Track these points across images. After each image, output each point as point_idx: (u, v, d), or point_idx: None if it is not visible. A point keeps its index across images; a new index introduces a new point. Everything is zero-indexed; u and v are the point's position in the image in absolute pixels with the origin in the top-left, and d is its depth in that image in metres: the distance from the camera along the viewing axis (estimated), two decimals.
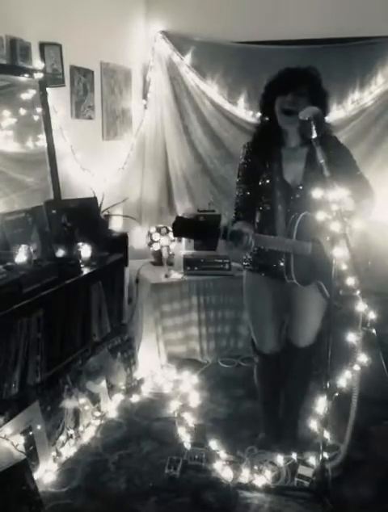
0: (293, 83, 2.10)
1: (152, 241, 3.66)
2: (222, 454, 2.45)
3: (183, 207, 3.87)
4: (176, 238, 2.13)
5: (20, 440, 2.18)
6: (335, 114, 3.51)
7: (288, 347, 2.47)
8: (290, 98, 2.09)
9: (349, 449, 2.33)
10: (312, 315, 2.35)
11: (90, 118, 3.27)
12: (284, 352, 2.50)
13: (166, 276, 3.42)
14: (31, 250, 2.39)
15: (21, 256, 2.31)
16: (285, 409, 2.57)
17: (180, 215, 1.99)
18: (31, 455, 2.23)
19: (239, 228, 1.99)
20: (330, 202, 1.87)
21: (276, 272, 2.26)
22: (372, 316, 1.91)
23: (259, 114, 2.32)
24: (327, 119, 2.23)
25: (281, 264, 2.18)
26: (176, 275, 3.43)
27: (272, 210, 2.25)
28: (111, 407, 2.84)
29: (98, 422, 2.71)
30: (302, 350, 2.42)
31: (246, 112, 3.65)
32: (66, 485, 2.27)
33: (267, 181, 2.23)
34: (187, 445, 2.52)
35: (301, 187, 2.19)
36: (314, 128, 1.91)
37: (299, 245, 2.10)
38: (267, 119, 2.23)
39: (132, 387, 3.07)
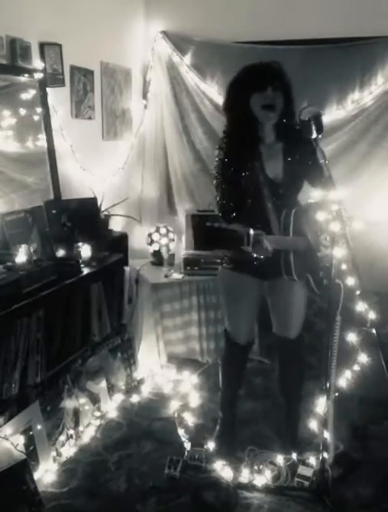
0: (270, 79, 2.11)
1: (152, 241, 3.67)
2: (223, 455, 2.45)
3: (183, 207, 3.87)
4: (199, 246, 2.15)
5: (20, 440, 2.18)
6: (335, 114, 3.51)
7: (280, 342, 2.47)
8: (270, 93, 2.09)
9: (339, 444, 2.34)
10: (297, 305, 2.36)
11: (90, 118, 3.27)
12: (276, 348, 2.52)
13: (166, 276, 3.42)
14: (31, 250, 2.39)
15: (21, 256, 2.31)
16: (286, 409, 2.57)
17: (209, 223, 1.84)
18: (31, 455, 2.23)
19: (257, 232, 1.93)
20: (330, 202, 1.87)
21: (257, 270, 2.25)
22: (372, 316, 1.91)
23: (228, 114, 2.27)
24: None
25: (282, 261, 2.18)
26: (176, 275, 3.43)
27: (261, 208, 2.20)
28: (111, 407, 2.84)
29: (98, 422, 2.71)
30: (294, 342, 2.42)
31: None
32: (66, 485, 2.27)
33: (252, 179, 2.19)
34: (187, 445, 2.52)
35: (283, 183, 2.20)
36: (313, 128, 1.92)
37: (301, 241, 2.11)
38: (240, 117, 2.20)
39: (132, 387, 3.07)
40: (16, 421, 2.21)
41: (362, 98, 3.48)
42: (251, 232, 1.89)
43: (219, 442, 2.52)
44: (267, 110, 2.11)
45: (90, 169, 3.20)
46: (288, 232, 2.11)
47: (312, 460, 2.31)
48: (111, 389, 2.91)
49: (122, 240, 3.24)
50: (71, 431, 2.54)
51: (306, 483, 2.23)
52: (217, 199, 2.27)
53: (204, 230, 1.85)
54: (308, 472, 2.26)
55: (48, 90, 2.80)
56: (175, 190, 3.93)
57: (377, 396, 2.71)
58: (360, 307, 1.94)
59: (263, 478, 2.29)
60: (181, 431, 2.64)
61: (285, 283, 2.24)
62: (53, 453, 2.40)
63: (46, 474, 2.30)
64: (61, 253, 2.70)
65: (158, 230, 3.67)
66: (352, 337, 2.11)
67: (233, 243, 1.90)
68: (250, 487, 2.26)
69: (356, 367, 2.18)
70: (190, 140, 3.81)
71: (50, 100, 2.82)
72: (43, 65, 2.73)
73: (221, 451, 2.47)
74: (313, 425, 2.35)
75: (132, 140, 3.77)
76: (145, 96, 3.83)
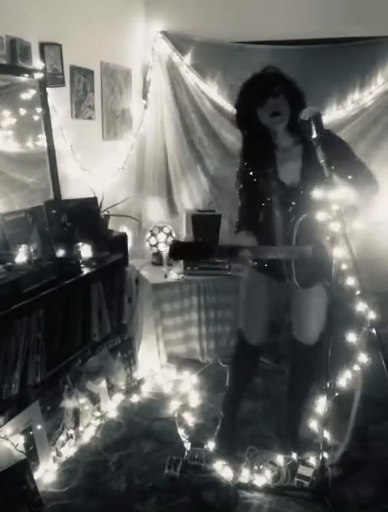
0: (266, 90, 2.12)
1: (152, 241, 3.66)
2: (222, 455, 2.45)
3: (183, 207, 3.87)
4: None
5: (20, 440, 2.18)
6: (335, 114, 3.51)
7: (295, 346, 2.46)
8: (271, 102, 2.11)
9: (348, 448, 2.34)
10: (314, 311, 2.34)
11: (90, 118, 3.27)
12: (292, 352, 2.52)
13: (166, 276, 3.42)
14: (31, 250, 2.38)
15: (21, 256, 2.31)
16: (288, 409, 2.57)
17: (176, 239, 2.06)
18: (31, 455, 2.23)
19: (235, 244, 2.03)
20: (330, 202, 1.87)
21: (278, 274, 2.25)
22: (372, 316, 1.91)
23: (241, 130, 2.31)
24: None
25: (284, 269, 2.18)
26: (176, 275, 3.43)
27: (271, 215, 2.24)
28: (111, 407, 2.84)
29: (98, 422, 2.71)
30: (309, 348, 2.41)
31: None
32: (66, 485, 2.27)
33: (265, 185, 2.23)
34: (187, 445, 2.52)
35: (299, 188, 2.19)
36: (314, 127, 1.91)
37: (297, 250, 2.10)
38: (250, 130, 2.24)
39: (132, 387, 3.07)
40: (16, 421, 2.21)
41: (362, 98, 3.48)
42: (222, 245, 2.01)
43: (219, 442, 2.52)
44: (274, 116, 2.12)
45: (90, 169, 3.20)
46: (291, 242, 2.12)
47: (312, 460, 2.32)
48: (111, 389, 2.91)
49: (122, 240, 3.24)
50: (71, 431, 2.54)
51: (306, 483, 2.23)
52: (238, 208, 2.35)
53: (172, 244, 2.03)
54: (308, 472, 2.26)
55: (48, 90, 2.80)
56: (174, 190, 3.93)
57: (377, 396, 2.70)
58: (360, 307, 1.94)
59: (263, 478, 2.29)
60: (181, 431, 2.64)
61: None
62: (53, 453, 2.40)
63: (46, 474, 2.30)
64: (61, 253, 2.70)
65: (158, 230, 3.67)
66: (352, 337, 2.11)
67: (202, 255, 2.06)
68: (250, 487, 2.27)
69: (356, 367, 2.18)
70: (190, 140, 3.81)
71: (50, 100, 2.82)
72: (43, 65, 2.73)
73: (221, 451, 2.47)
74: (313, 425, 2.35)
75: (132, 140, 3.77)
76: (145, 96, 3.82)
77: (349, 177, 2.16)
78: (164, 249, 3.59)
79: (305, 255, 2.09)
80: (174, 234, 3.69)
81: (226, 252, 2.00)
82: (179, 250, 2.02)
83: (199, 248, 2.03)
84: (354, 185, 2.18)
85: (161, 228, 3.67)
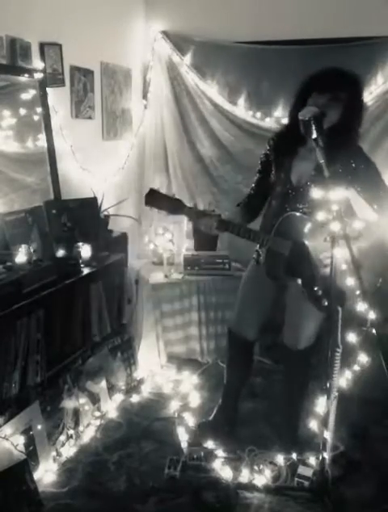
0: (333, 84, 2.05)
1: (152, 242, 3.66)
2: (222, 453, 2.45)
3: None
4: (149, 207, 2.27)
5: (20, 440, 2.18)
6: None
7: (285, 350, 2.46)
8: (326, 100, 2.03)
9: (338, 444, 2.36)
10: (307, 317, 2.32)
11: (90, 118, 3.26)
12: (282, 356, 2.54)
13: (166, 276, 3.42)
14: (31, 250, 2.39)
15: (21, 256, 2.31)
16: (285, 411, 2.57)
17: (153, 188, 2.23)
18: (31, 455, 2.24)
19: (206, 211, 2.23)
20: (330, 202, 1.87)
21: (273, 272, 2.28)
22: (372, 316, 1.91)
23: (289, 108, 2.28)
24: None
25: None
26: (176, 275, 3.43)
27: (271, 204, 2.30)
28: (111, 407, 2.84)
29: (98, 422, 2.71)
30: (299, 353, 2.40)
31: (246, 112, 3.65)
32: (66, 485, 2.27)
33: (275, 176, 2.27)
34: (187, 445, 2.51)
35: (302, 187, 2.19)
36: (314, 128, 1.91)
37: (271, 240, 2.17)
38: (296, 111, 2.13)
39: (132, 387, 3.07)
40: (16, 421, 2.21)
41: None
42: (192, 208, 2.18)
43: (201, 434, 2.57)
44: None
45: (90, 169, 3.20)
46: (269, 233, 2.20)
47: (312, 460, 2.32)
48: (111, 389, 2.91)
49: (122, 240, 3.24)
50: (71, 431, 2.54)
51: (306, 483, 2.23)
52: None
53: (149, 191, 2.18)
54: (308, 472, 2.26)
55: (48, 90, 2.80)
56: (175, 190, 3.93)
57: (377, 396, 2.70)
58: (360, 307, 1.94)
59: (263, 478, 2.29)
60: (181, 431, 2.64)
61: (295, 290, 2.26)
62: (53, 453, 2.40)
63: (46, 474, 2.30)
64: (61, 253, 2.70)
65: (158, 230, 3.67)
66: (352, 338, 2.11)
67: (172, 210, 2.19)
68: (250, 487, 2.27)
69: (356, 367, 2.18)
70: (190, 140, 3.81)
71: (50, 100, 2.82)
72: (43, 65, 2.72)
73: (203, 432, 2.54)
74: (313, 425, 2.34)
75: (132, 140, 3.77)
76: (145, 96, 3.82)
77: (374, 206, 2.16)
78: (164, 250, 3.59)
79: (269, 246, 2.18)
80: (173, 235, 3.69)
81: (194, 214, 2.19)
82: (153, 199, 2.17)
83: (171, 202, 2.18)
84: (377, 212, 2.17)
85: (161, 229, 3.66)
